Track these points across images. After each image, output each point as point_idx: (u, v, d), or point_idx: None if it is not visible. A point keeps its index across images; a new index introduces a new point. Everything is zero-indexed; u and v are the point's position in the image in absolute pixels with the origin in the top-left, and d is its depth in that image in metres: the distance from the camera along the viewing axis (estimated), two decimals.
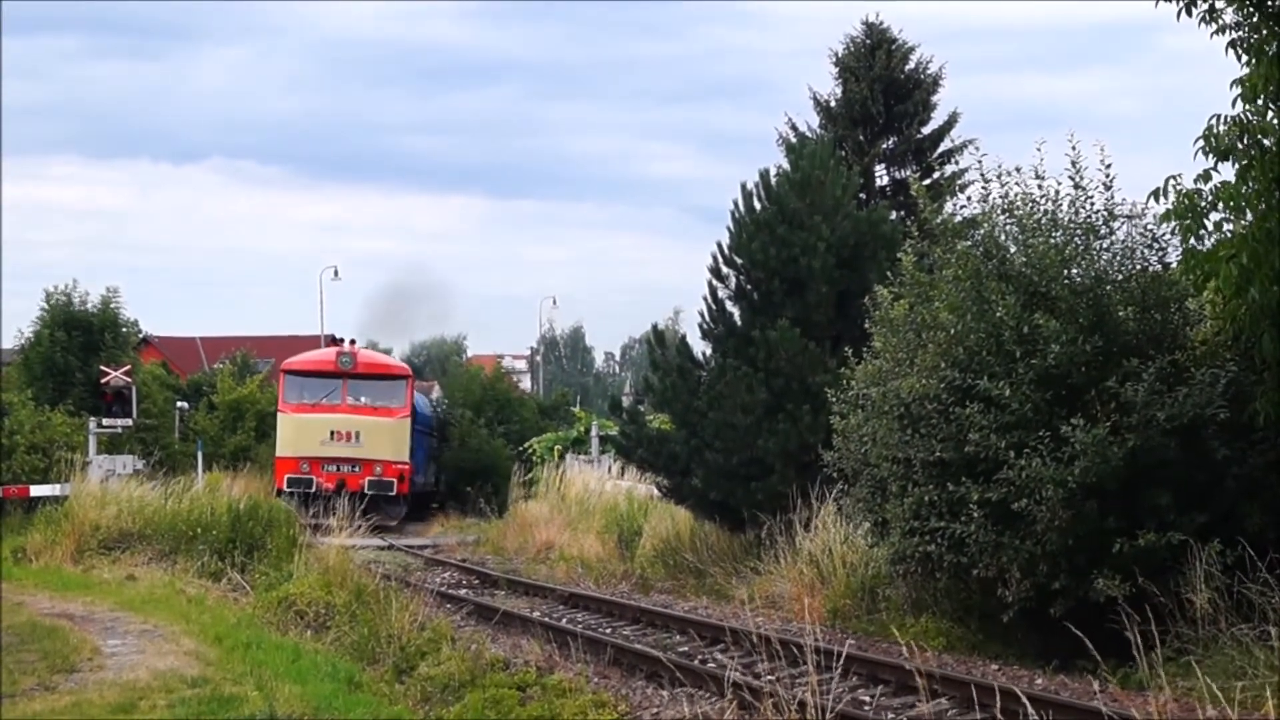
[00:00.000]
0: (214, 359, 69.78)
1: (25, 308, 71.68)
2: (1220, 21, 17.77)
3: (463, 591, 29.15)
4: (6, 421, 47.10)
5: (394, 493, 50.20)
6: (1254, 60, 17.54)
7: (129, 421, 49.82)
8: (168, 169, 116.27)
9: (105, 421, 48.01)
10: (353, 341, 57.95)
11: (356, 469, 50.20)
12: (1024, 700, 12.30)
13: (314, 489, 47.59)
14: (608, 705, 14.85)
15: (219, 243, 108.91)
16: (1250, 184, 17.02)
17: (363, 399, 52.56)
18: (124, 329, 57.61)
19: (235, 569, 27.24)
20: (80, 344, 54.83)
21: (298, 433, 51.24)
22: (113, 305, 56.70)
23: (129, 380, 51.45)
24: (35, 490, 41.04)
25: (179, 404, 55.95)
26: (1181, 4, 17.89)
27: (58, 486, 40.09)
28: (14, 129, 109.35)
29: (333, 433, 50.73)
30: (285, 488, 48.92)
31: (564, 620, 21.99)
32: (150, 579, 28.07)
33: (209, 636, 20.01)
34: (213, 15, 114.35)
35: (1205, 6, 17.80)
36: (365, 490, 46.19)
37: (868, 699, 14.20)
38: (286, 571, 25.61)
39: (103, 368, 51.97)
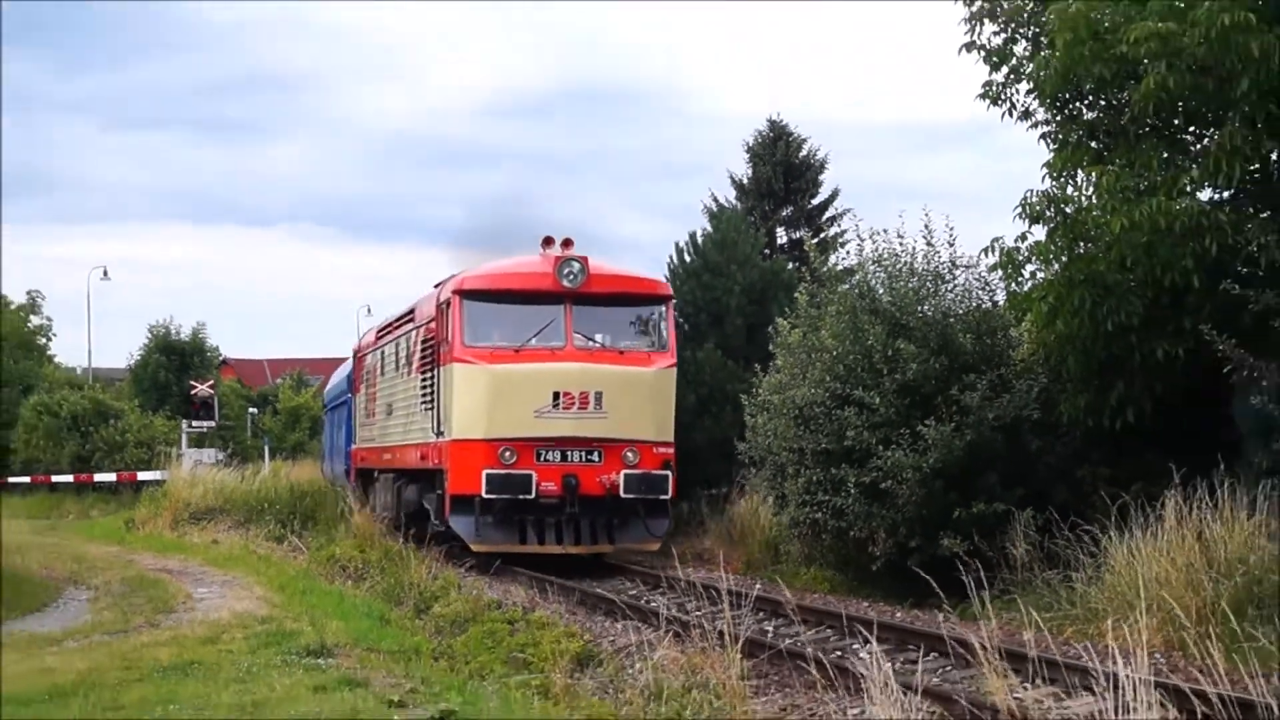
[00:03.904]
0: (276, 375, 69.43)
1: (134, 337, 71.76)
2: (1033, 120, 18.08)
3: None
4: (119, 423, 47.11)
5: (666, 494, 21.11)
6: (1058, 149, 17.81)
7: (212, 423, 49.85)
8: (247, 231, 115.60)
9: (194, 423, 48.05)
10: (569, 241, 22.08)
11: (596, 457, 20.58)
12: (878, 626, 12.44)
13: (533, 493, 19.97)
14: (576, 635, 14.90)
15: (283, 286, 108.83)
16: (1055, 242, 17.19)
17: (599, 337, 21.93)
18: (208, 353, 57.79)
19: (294, 534, 27.23)
20: (175, 364, 55.11)
21: (492, 398, 20.62)
22: (200, 335, 57.26)
23: (212, 392, 51.59)
24: (141, 475, 41.16)
25: (250, 410, 55.73)
26: (1005, 108, 18.18)
27: (159, 473, 40.23)
28: (136, 204, 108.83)
29: (557, 395, 20.40)
30: (481, 492, 20.04)
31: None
32: (229, 542, 28.10)
33: (274, 585, 20.05)
34: (282, 117, 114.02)
35: (1022, 109, 18.11)
36: (620, 492, 20.06)
37: (769, 628, 14.29)
38: (332, 536, 25.62)
39: (192, 382, 52.20)
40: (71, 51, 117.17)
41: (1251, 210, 16.16)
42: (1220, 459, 14.70)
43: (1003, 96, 18.05)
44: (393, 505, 24.50)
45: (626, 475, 19.51)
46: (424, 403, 21.97)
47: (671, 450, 20.48)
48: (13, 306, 62.21)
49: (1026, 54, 17.81)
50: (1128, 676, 7.11)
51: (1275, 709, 6.95)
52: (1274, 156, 15.83)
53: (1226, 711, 7.71)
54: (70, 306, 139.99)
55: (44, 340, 63.40)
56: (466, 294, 20.19)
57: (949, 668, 12.06)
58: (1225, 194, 16.14)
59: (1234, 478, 14.37)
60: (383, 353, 26.74)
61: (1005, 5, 17.89)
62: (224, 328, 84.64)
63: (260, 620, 15.68)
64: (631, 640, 13.76)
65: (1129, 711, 6.82)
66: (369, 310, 55.05)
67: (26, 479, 45.85)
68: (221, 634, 14.56)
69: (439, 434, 20.65)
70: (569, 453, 19.55)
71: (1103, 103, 17.49)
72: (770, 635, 13.96)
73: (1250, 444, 15.26)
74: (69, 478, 44.06)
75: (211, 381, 53.97)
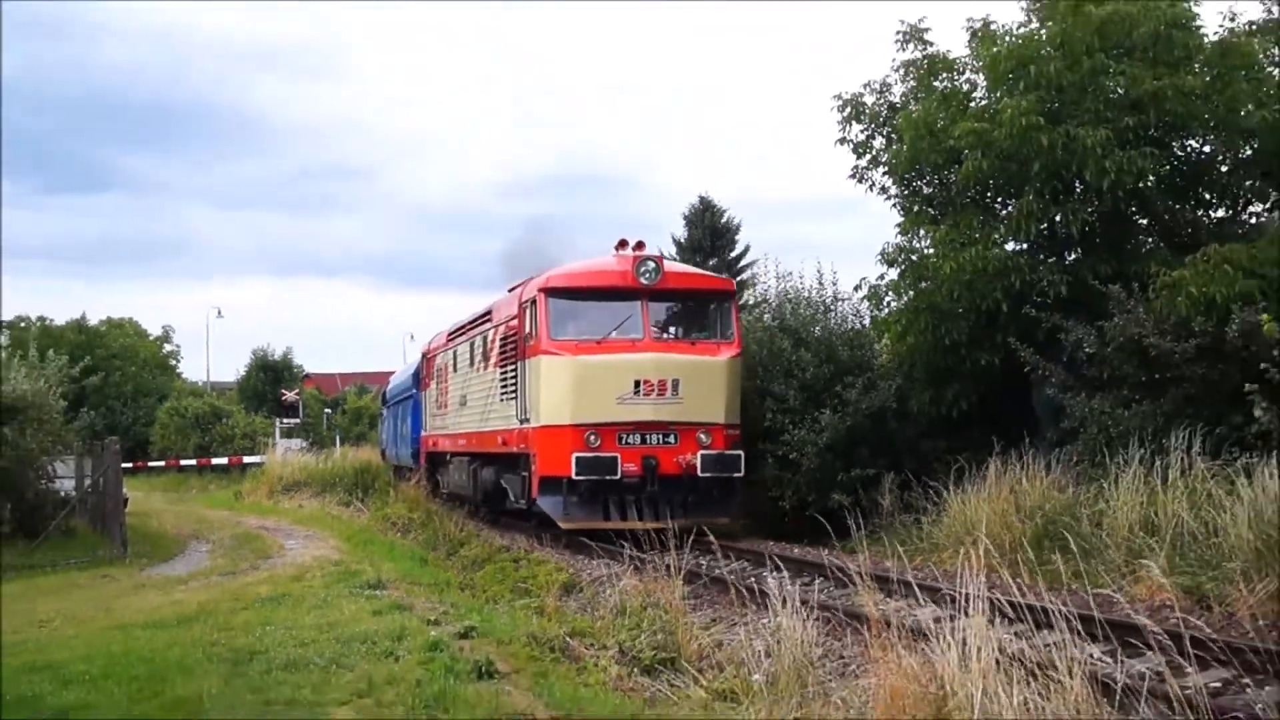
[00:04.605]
0: (344, 385, 69.02)
1: (240, 358, 72.03)
2: (888, 194, 18.23)
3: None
4: (229, 421, 47.00)
5: (739, 472, 17.01)
6: (905, 214, 17.95)
7: (297, 420, 49.84)
8: (319, 280, 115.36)
9: (284, 420, 48.00)
10: (641, 244, 18.01)
11: (672, 439, 16.81)
12: (784, 559, 12.48)
13: (618, 474, 16.40)
14: (564, 569, 14.94)
15: (346, 320, 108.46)
16: (905, 281, 17.32)
17: (673, 329, 18.45)
18: (294, 369, 57.60)
19: (357, 500, 27.18)
20: (270, 378, 54.92)
21: (578, 386, 16.81)
22: (288, 356, 57.19)
23: (297, 398, 51.66)
24: (246, 459, 40.99)
25: (325, 410, 55.47)
26: (868, 185, 18.33)
27: (259, 457, 40.16)
28: (240, 263, 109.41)
29: (638, 383, 16.62)
30: (571, 473, 16.30)
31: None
32: (310, 507, 28.07)
33: (343, 538, 20.04)
34: (344, 196, 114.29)
35: (880, 187, 18.25)
36: (697, 471, 16.57)
37: (704, 563, 14.28)
38: (385, 501, 25.57)
39: (282, 391, 52.14)
40: (197, 153, 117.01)
41: (1042, 257, 16.29)
42: (1025, 434, 14.85)
43: (865, 177, 18.24)
44: (468, 484, 21.52)
45: (704, 455, 16.42)
46: (504, 393, 18.79)
47: (738, 432, 17.13)
48: (152, 338, 62.11)
49: (882, 147, 17.97)
50: (961, 591, 7.16)
51: (1059, 614, 7.03)
52: (1057, 219, 15.97)
53: (1031, 616, 7.80)
54: (194, 337, 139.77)
55: (174, 362, 63.19)
56: (551, 292, 17.11)
57: (834, 588, 12.09)
58: (1024, 245, 16.28)
59: (1034, 448, 14.50)
60: (454, 352, 23.38)
61: (867, 112, 18.06)
62: (305, 351, 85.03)
63: (333, 563, 15.68)
64: (604, 573, 13.78)
65: (964, 615, 6.87)
66: (411, 337, 54.69)
67: (162, 463, 45.60)
68: (305, 574, 14.57)
69: (523, 421, 17.47)
70: (648, 435, 16.64)
71: (937, 181, 17.65)
72: (704, 568, 13.98)
73: (1045, 423, 15.42)
74: (193, 461, 43.85)
75: (297, 390, 53.97)
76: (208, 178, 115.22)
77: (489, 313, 20.39)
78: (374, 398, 57.51)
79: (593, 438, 16.24)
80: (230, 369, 67.50)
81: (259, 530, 22.15)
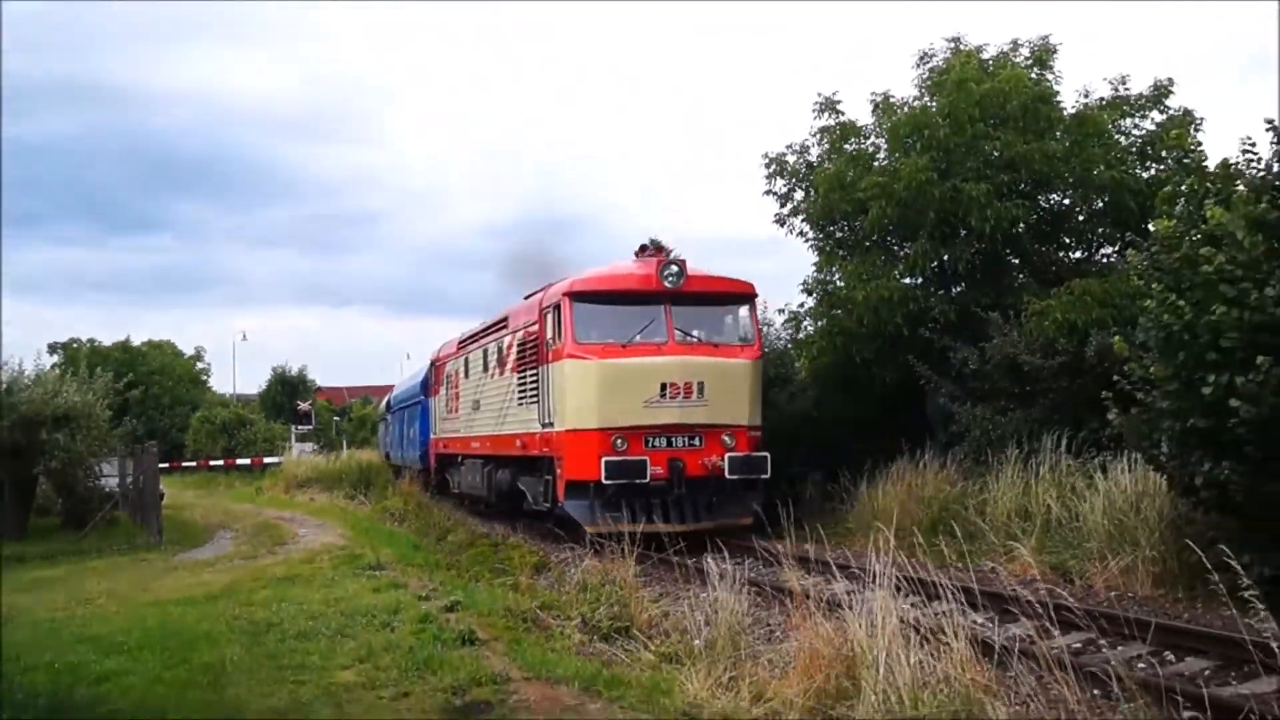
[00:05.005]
0: (351, 397, 68.38)
1: (261, 374, 71.35)
2: (807, 237, 18.31)
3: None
4: (252, 428, 46.42)
5: (765, 474, 14.29)
6: (820, 253, 18.04)
7: (310, 427, 49.24)
8: (333, 310, 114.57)
9: (299, 427, 47.41)
10: (661, 247, 15.54)
11: (697, 442, 14.15)
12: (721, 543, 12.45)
13: (647, 477, 13.67)
14: (536, 552, 14.82)
15: (353, 343, 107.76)
16: (820, 308, 17.39)
17: (696, 332, 14.63)
18: (308, 383, 56.98)
19: (361, 494, 26.88)
20: (288, 391, 54.36)
21: (605, 390, 14.04)
22: (303, 372, 56.57)
23: (310, 408, 50.96)
24: (266, 460, 40.35)
25: (335, 418, 54.92)
26: (789, 229, 18.40)
27: (277, 458, 39.51)
28: (265, 293, 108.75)
29: (664, 386, 13.93)
30: (600, 477, 13.64)
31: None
32: (321, 500, 27.58)
33: (348, 526, 19.73)
34: (357, 239, 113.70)
35: (799, 231, 18.33)
36: (724, 474, 13.95)
37: (651, 545, 14.18)
38: (385, 495, 25.29)
39: (298, 402, 51.54)
40: (234, 201, 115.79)
41: (934, 289, 16.42)
42: (925, 437, 14.93)
43: (787, 223, 18.31)
44: (482, 485, 19.23)
45: (731, 458, 13.97)
46: (521, 397, 16.31)
47: (759, 433, 14.65)
48: (186, 357, 61.22)
49: (802, 198, 18.05)
50: (869, 569, 7.17)
51: (948, 588, 7.05)
52: (946, 258, 16.10)
53: (925, 590, 7.81)
54: (222, 356, 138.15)
55: (205, 378, 62.20)
56: (576, 296, 14.52)
57: (763, 567, 12.06)
58: (919, 279, 16.39)
59: (930, 449, 14.59)
60: (466, 359, 20.78)
61: (789, 169, 18.15)
62: (318, 368, 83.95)
63: (339, 548, 15.46)
64: (569, 556, 13.67)
65: (871, 590, 6.88)
66: (408, 356, 54.57)
67: (194, 463, 44.86)
68: (315, 557, 14.35)
69: (546, 425, 15.00)
70: (674, 438, 14.05)
71: (847, 226, 17.73)
72: (652, 549, 13.89)
73: (937, 428, 15.51)
74: (220, 462, 43.18)
75: (311, 401, 53.42)
76: (241, 221, 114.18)
77: (504, 320, 17.93)
78: (375, 408, 57.10)
79: (620, 441, 13.85)
80: (253, 383, 66.82)
81: (276, 520, 21.80)
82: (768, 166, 18.19)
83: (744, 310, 15.23)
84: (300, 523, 21.17)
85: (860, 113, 17.82)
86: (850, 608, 6.66)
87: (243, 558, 15.28)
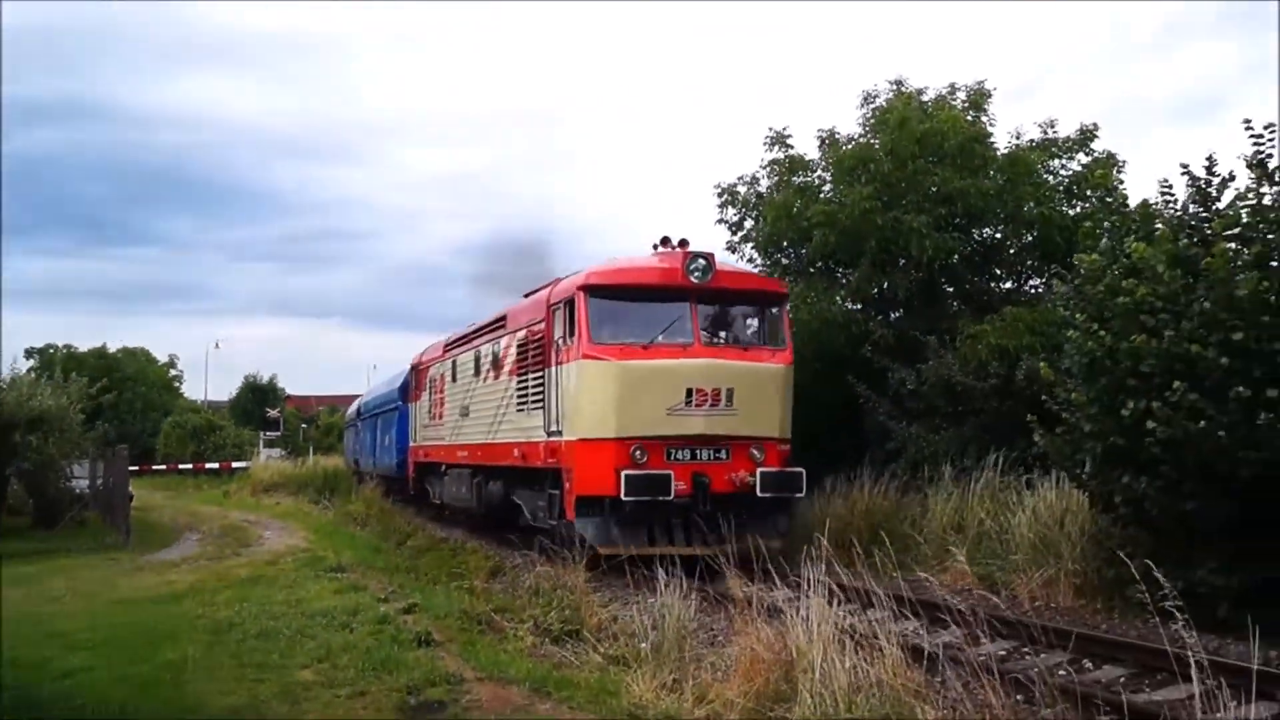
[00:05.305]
0: (319, 406, 67.59)
1: (233, 382, 70.37)
2: (756, 263, 18.25)
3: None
4: (222, 433, 45.68)
5: (800, 492, 11.98)
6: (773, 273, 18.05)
7: (278, 433, 48.57)
8: (307, 321, 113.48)
9: (267, 433, 46.74)
10: (684, 241, 12.69)
11: (724, 455, 11.62)
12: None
13: (672, 494, 11.14)
14: (490, 558, 14.66)
15: (324, 354, 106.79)
16: None
17: (723, 334, 12.39)
18: (278, 392, 56.30)
19: (325, 498, 26.51)
20: (258, 398, 53.67)
21: (624, 395, 11.36)
22: (273, 381, 55.87)
23: (279, 415, 50.25)
24: (234, 464, 39.73)
25: (303, 425, 54.24)
26: (739, 257, 18.29)
27: (246, 462, 38.96)
28: (243, 304, 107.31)
29: (690, 392, 11.32)
30: (619, 493, 11.16)
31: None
32: (286, 504, 27.19)
33: (312, 530, 19.43)
34: (335, 255, 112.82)
35: (749, 258, 18.28)
36: (754, 490, 11.55)
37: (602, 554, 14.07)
38: (348, 500, 24.98)
39: (267, 409, 50.81)
40: (216, 217, 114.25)
41: (874, 314, 16.55)
42: (865, 453, 14.98)
43: (737, 250, 18.32)
44: (470, 497, 16.97)
45: (763, 474, 11.76)
46: (520, 403, 14.02)
47: (789, 447, 12.43)
48: (160, 364, 60.19)
49: (752, 226, 18.12)
50: (807, 578, 7.15)
51: (883, 597, 7.05)
52: (886, 285, 16.23)
53: (861, 598, 7.82)
54: (196, 363, 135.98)
55: (178, 384, 61.18)
56: (592, 290, 12.03)
57: (710, 577, 11.97)
58: (860, 304, 16.50)
59: (868, 464, 14.63)
60: (454, 363, 18.23)
61: (740, 199, 18.22)
62: (288, 377, 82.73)
63: (302, 550, 15.23)
64: (522, 561, 13.56)
65: (809, 595, 6.86)
66: (374, 367, 54.01)
67: (164, 466, 44.05)
68: (279, 559, 14.13)
69: (552, 433, 12.61)
70: (698, 451, 11.69)
71: (793, 253, 17.82)
72: (603, 558, 13.78)
73: (874, 445, 15.57)
74: (189, 465, 42.46)
75: (279, 409, 52.72)
76: (224, 235, 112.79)
77: (501, 320, 15.47)
78: (341, 416, 56.53)
79: (639, 453, 11.53)
80: (225, 390, 65.80)
81: (242, 523, 21.44)
82: (720, 196, 18.26)
83: (775, 311, 13.00)
84: (265, 526, 20.83)
85: (808, 147, 17.91)
86: (789, 614, 6.64)
87: (208, 559, 14.98)
